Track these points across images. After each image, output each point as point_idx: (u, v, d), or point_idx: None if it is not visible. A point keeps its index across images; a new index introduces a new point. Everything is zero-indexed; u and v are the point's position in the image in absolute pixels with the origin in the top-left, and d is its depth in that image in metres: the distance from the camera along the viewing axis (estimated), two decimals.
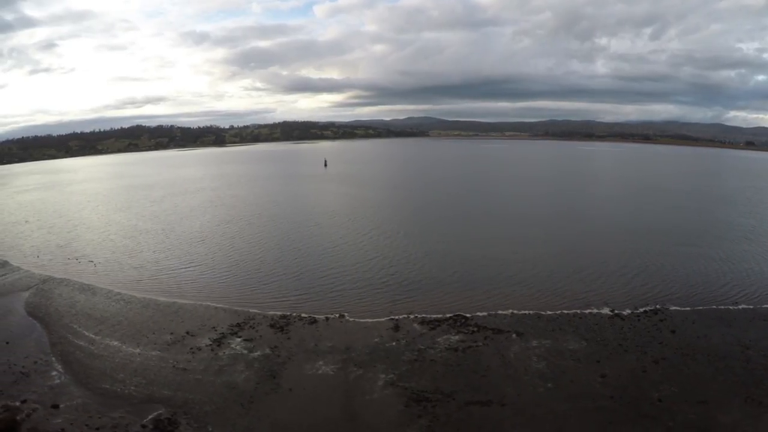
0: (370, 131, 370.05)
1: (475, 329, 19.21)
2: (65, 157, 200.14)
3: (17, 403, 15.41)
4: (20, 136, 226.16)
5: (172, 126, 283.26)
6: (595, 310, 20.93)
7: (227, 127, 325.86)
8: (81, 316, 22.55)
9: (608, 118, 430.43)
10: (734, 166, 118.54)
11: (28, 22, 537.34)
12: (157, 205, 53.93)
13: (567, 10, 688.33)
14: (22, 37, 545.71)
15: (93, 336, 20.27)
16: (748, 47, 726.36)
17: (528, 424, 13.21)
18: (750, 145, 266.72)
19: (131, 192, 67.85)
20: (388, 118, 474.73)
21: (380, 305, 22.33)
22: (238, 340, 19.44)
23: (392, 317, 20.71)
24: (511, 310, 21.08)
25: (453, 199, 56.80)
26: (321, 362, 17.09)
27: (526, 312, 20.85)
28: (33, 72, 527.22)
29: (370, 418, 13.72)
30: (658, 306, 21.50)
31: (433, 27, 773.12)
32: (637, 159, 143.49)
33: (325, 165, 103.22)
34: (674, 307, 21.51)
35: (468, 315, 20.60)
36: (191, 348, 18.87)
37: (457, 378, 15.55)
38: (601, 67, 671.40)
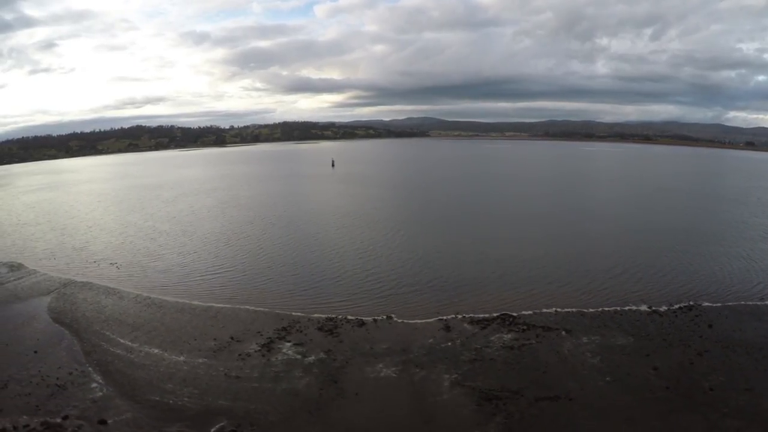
0: (371, 131, 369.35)
1: (525, 327, 19.39)
2: (65, 157, 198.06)
3: (58, 420, 14.21)
4: (20, 137, 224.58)
5: (172, 126, 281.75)
6: (634, 307, 21.45)
7: (227, 127, 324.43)
8: (112, 322, 21.39)
9: (608, 119, 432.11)
10: (737, 166, 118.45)
11: (27, 22, 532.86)
12: (171, 206, 52.66)
13: (568, 11, 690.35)
14: (22, 37, 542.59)
15: (129, 343, 19.14)
16: (749, 47, 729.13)
17: (598, 416, 13.55)
18: (750, 145, 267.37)
19: (140, 192, 66.44)
20: (387, 119, 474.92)
21: (426, 306, 22.11)
22: (288, 344, 18.66)
23: (441, 318, 20.57)
24: (554, 308, 21.39)
25: (472, 199, 56.28)
26: (381, 365, 16.69)
27: (569, 310, 21.19)
28: (33, 72, 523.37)
29: (445, 419, 13.59)
30: (691, 302, 22.15)
31: (434, 27, 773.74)
32: (641, 159, 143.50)
33: (333, 165, 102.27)
34: (706, 303, 22.15)
35: (514, 314, 20.78)
36: (240, 354, 17.95)
37: (519, 375, 15.74)
38: (601, 67, 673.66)
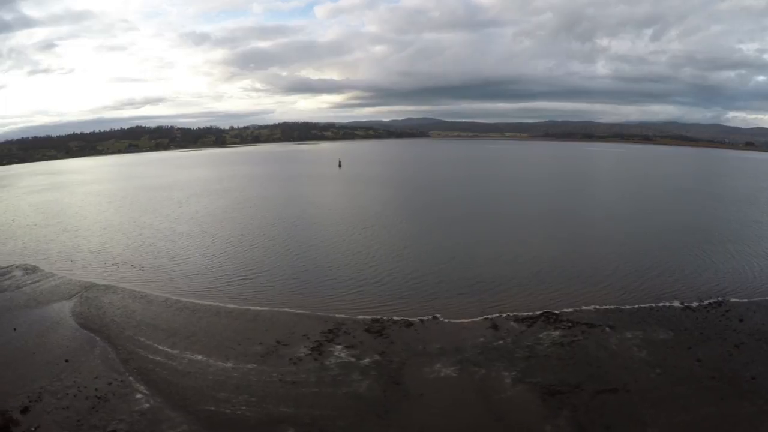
0: (370, 132, 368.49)
1: (570, 324, 19.51)
2: (65, 157, 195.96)
3: None
4: (19, 137, 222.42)
5: (171, 127, 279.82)
6: (667, 304, 21.89)
7: (227, 127, 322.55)
8: (145, 327, 20.34)
9: (607, 119, 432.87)
10: (740, 167, 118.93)
11: (27, 22, 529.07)
12: (184, 207, 51.49)
13: (568, 11, 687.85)
14: (21, 38, 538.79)
15: (169, 350, 18.14)
16: (749, 48, 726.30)
17: (657, 406, 13.99)
18: (750, 145, 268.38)
19: (149, 193, 65.18)
20: (386, 119, 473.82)
21: (469, 306, 21.95)
22: (339, 347, 18.12)
23: (486, 317, 20.53)
24: (593, 306, 21.56)
25: (491, 199, 55.71)
26: (438, 365, 16.46)
27: (608, 307, 21.40)
28: (32, 73, 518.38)
29: (515, 415, 13.58)
30: (720, 298, 22.61)
31: (434, 28, 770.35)
32: (644, 160, 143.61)
33: (340, 166, 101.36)
34: (734, 299, 22.54)
35: (556, 312, 20.92)
36: (290, 358, 17.24)
37: (575, 370, 15.91)
38: (601, 67, 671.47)
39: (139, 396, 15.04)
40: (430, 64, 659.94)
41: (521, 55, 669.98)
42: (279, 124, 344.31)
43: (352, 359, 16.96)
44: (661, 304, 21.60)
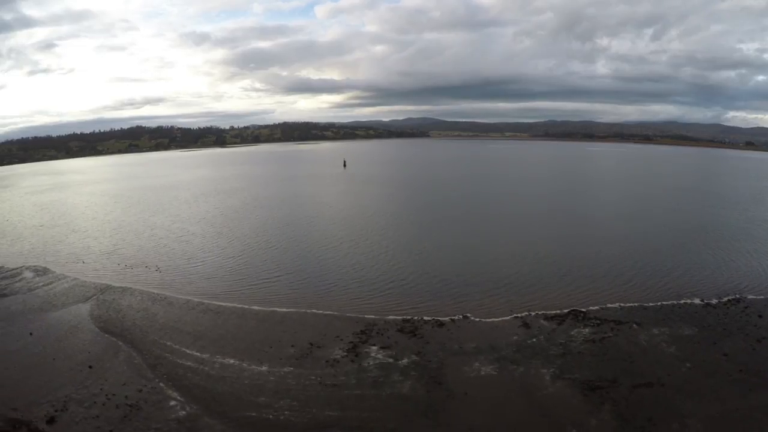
0: (371, 132, 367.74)
1: (598, 322, 19.83)
2: (66, 158, 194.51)
3: None
4: (19, 137, 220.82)
5: (172, 127, 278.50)
6: (688, 301, 22.38)
7: (227, 127, 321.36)
8: (169, 331, 19.57)
9: (607, 119, 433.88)
10: (743, 166, 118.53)
11: (27, 22, 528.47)
12: (193, 207, 50.63)
13: (568, 11, 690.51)
14: (21, 37, 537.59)
15: (198, 354, 17.41)
16: (749, 48, 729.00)
17: (692, 398, 14.30)
18: (750, 145, 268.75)
19: (155, 193, 64.22)
20: (386, 119, 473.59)
21: (498, 304, 22.09)
22: (375, 348, 17.74)
23: (516, 315, 20.73)
24: (618, 304, 21.91)
25: (502, 199, 55.27)
26: (476, 363, 16.62)
27: (632, 304, 21.76)
28: (32, 73, 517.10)
29: (559, 411, 13.75)
30: (737, 295, 23.08)
31: (435, 28, 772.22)
32: (647, 159, 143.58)
33: (344, 165, 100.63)
34: (751, 296, 23.06)
35: (583, 309, 21.22)
36: (327, 361, 16.74)
37: (610, 366, 16.24)
38: (601, 67, 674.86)
39: (173, 403, 14.30)
40: (430, 64, 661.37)
41: (521, 54, 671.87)
42: (279, 124, 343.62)
43: (390, 360, 16.84)
44: (682, 302, 22.16)
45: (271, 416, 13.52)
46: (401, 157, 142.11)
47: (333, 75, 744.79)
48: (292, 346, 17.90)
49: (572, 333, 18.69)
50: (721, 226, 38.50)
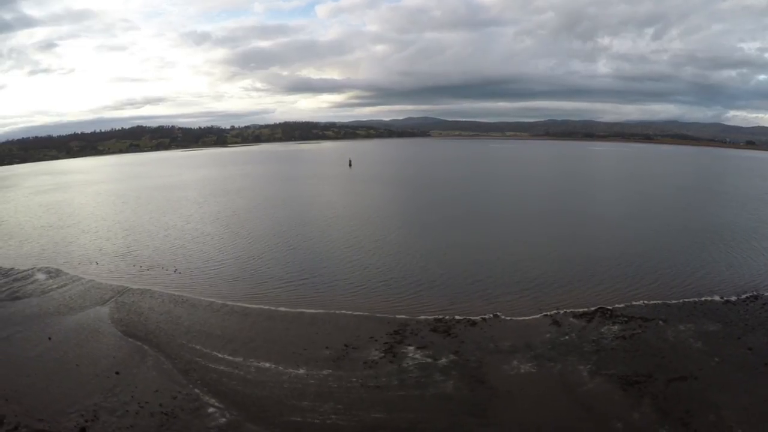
0: (371, 131, 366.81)
1: (626, 319, 20.00)
2: (66, 157, 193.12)
3: None
4: (19, 137, 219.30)
5: (172, 126, 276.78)
6: (708, 298, 22.63)
7: (227, 127, 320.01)
8: (197, 334, 18.88)
9: (607, 118, 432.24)
10: (745, 166, 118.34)
11: (27, 22, 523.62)
12: (204, 207, 49.85)
13: (570, 10, 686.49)
14: (22, 37, 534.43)
15: (231, 358, 16.77)
16: (750, 47, 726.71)
17: (724, 391, 14.60)
18: (751, 144, 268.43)
19: (163, 193, 63.36)
20: (387, 119, 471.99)
21: (526, 303, 22.13)
22: (411, 348, 17.47)
23: (545, 314, 20.79)
24: (642, 301, 22.15)
25: (514, 199, 54.76)
26: (515, 361, 16.61)
27: (655, 302, 21.99)
28: (32, 73, 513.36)
29: (602, 406, 13.86)
30: (755, 293, 23.37)
31: (435, 27, 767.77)
32: (650, 159, 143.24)
33: (350, 165, 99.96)
34: (767, 294, 23.36)
35: (609, 307, 21.32)
36: (365, 362, 16.39)
37: (643, 361, 16.45)
38: (602, 66, 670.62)
39: (212, 410, 13.62)
40: (431, 64, 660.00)
41: (522, 54, 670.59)
42: (280, 123, 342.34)
43: (429, 360, 16.63)
44: (703, 299, 22.48)
45: (317, 420, 13.10)
46: (405, 157, 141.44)
47: (333, 75, 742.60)
48: (327, 347, 17.47)
49: (602, 330, 18.88)
50: (733, 226, 38.61)
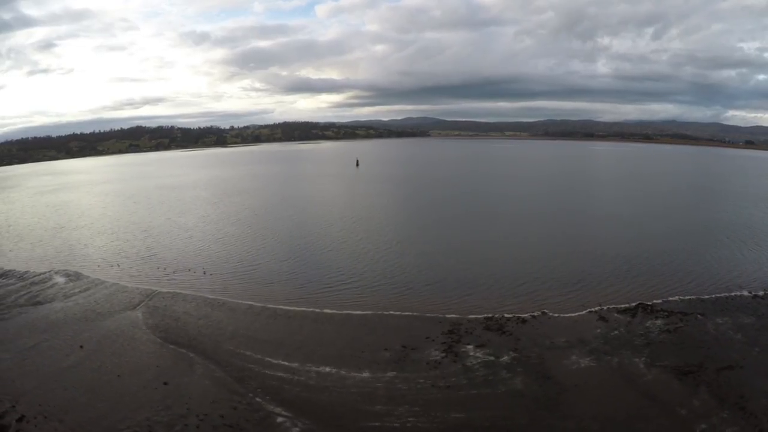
0: (371, 131, 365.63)
1: (666, 314, 20.28)
2: (66, 158, 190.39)
3: None
4: (18, 138, 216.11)
5: (172, 127, 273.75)
6: (737, 293, 22.94)
7: (227, 127, 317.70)
8: (243, 339, 17.90)
9: (606, 118, 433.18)
10: (748, 165, 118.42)
11: (26, 22, 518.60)
12: (220, 207, 48.73)
13: (570, 10, 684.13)
14: (21, 37, 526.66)
15: (287, 363, 15.90)
16: (749, 47, 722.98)
17: None
18: (750, 144, 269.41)
19: (173, 193, 61.94)
20: (386, 119, 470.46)
21: (569, 300, 22.10)
22: (470, 347, 17.29)
23: (590, 310, 20.88)
24: (677, 297, 22.44)
25: (533, 199, 54.06)
26: (573, 356, 16.67)
27: (690, 297, 22.33)
28: (31, 73, 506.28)
29: (664, 395, 14.16)
30: None
31: (435, 27, 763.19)
32: (653, 158, 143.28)
33: (357, 165, 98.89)
34: None
35: (649, 303, 21.50)
36: (427, 362, 16.03)
37: (691, 352, 16.87)
38: (602, 66, 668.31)
39: (280, 419, 12.77)
40: (430, 64, 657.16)
41: (522, 54, 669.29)
42: (280, 123, 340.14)
43: (491, 358, 16.53)
44: (733, 294, 22.81)
45: (396, 424, 12.68)
46: (409, 156, 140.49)
47: (333, 75, 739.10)
48: (386, 349, 16.99)
49: (647, 324, 19.21)
50: (750, 225, 38.90)
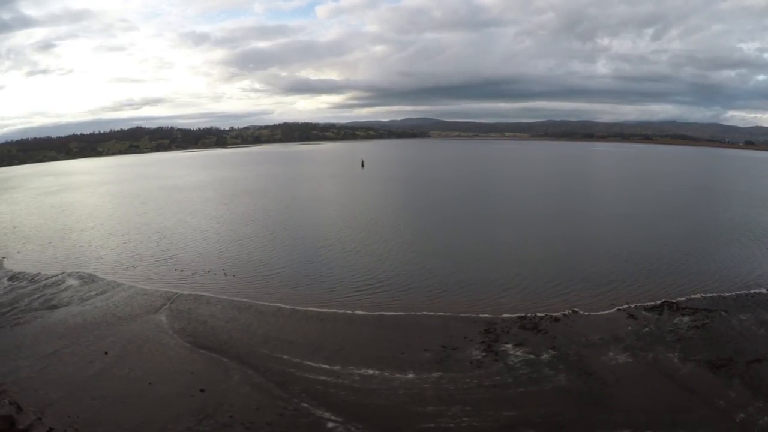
0: (371, 132, 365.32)
1: (692, 311, 20.73)
2: (66, 158, 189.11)
3: None
4: (18, 138, 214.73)
5: (172, 127, 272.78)
6: (756, 290, 23.37)
7: (226, 128, 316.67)
8: (278, 342, 17.23)
9: (606, 118, 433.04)
10: (752, 166, 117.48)
11: (26, 22, 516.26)
12: (231, 208, 47.94)
13: (570, 11, 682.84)
14: (20, 38, 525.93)
15: (327, 366, 15.37)
16: (749, 47, 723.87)
17: None
18: (750, 144, 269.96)
19: (180, 194, 61.01)
20: (385, 119, 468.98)
21: (596, 299, 22.34)
22: (509, 346, 17.46)
23: (618, 308, 21.20)
24: (700, 294, 22.88)
25: (547, 200, 53.80)
26: (611, 353, 17.00)
27: (711, 295, 22.72)
28: (31, 73, 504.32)
29: (702, 388, 14.56)
30: None
31: (435, 27, 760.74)
32: (656, 159, 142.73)
33: (362, 165, 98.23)
34: None
35: (673, 300, 21.96)
36: (470, 362, 15.98)
37: (720, 347, 17.30)
38: (601, 67, 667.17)
39: (332, 425, 12.28)
40: (430, 64, 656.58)
41: (522, 54, 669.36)
42: (280, 124, 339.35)
43: (532, 356, 16.76)
44: (752, 291, 23.28)
45: (451, 425, 12.52)
46: (411, 157, 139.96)
47: (332, 75, 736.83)
48: (426, 350, 16.72)
49: (675, 321, 19.70)
50: (763, 224, 38.77)
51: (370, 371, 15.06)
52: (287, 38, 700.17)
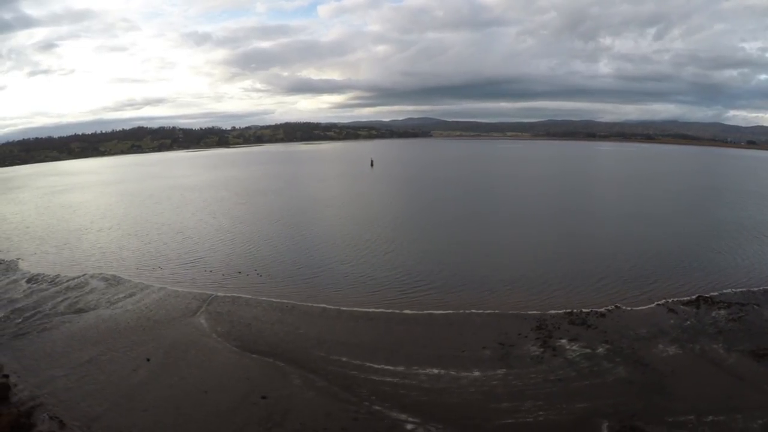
0: (373, 132, 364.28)
1: (726, 304, 21.07)
2: (67, 158, 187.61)
3: None
4: (19, 138, 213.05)
5: (174, 127, 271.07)
6: None
7: (228, 128, 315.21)
8: (332, 344, 16.53)
9: (607, 118, 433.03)
10: (756, 166, 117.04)
11: (27, 22, 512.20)
12: (250, 207, 47.26)
13: (572, 11, 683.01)
14: (22, 38, 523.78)
15: (390, 367, 14.87)
16: (751, 47, 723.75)
17: None
18: (752, 144, 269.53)
19: (193, 193, 60.00)
20: (387, 119, 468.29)
21: (636, 295, 22.51)
22: (564, 341, 17.42)
23: (657, 303, 21.41)
24: (731, 289, 23.24)
25: (566, 198, 53.35)
26: (660, 345, 17.21)
27: (741, 290, 23.12)
28: (32, 74, 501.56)
29: (750, 375, 15.04)
30: None
31: (438, 27, 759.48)
32: (659, 158, 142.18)
33: (372, 165, 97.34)
34: None
35: (707, 295, 22.25)
36: (531, 358, 16.02)
37: (758, 337, 17.72)
38: (603, 67, 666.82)
39: (410, 426, 11.96)
40: (432, 64, 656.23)
41: (524, 54, 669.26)
42: (282, 124, 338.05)
43: (588, 350, 16.87)
44: None
45: (529, 419, 12.50)
46: (417, 156, 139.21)
47: (334, 75, 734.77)
48: (484, 347, 16.69)
49: (713, 315, 20.05)
50: None
51: (435, 370, 14.80)
52: (289, 38, 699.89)
